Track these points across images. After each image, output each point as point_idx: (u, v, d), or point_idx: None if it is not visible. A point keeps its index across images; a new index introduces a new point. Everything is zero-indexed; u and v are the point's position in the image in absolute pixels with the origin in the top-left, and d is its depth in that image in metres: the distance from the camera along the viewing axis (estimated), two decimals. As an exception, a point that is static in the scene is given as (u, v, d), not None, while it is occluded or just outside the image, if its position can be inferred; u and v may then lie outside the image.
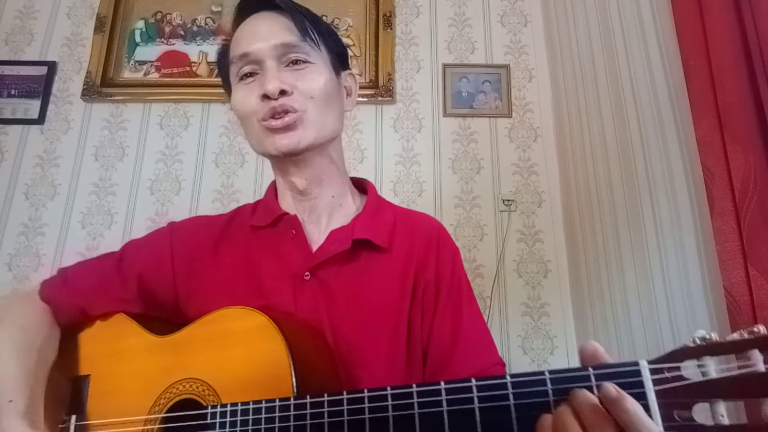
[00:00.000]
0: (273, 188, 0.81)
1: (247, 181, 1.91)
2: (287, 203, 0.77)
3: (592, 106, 1.64)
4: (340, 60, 0.78)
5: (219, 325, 0.64)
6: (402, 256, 0.74)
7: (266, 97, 0.68)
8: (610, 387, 0.42)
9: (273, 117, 0.68)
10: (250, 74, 0.71)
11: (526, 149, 1.96)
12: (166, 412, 0.63)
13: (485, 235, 1.86)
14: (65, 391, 0.70)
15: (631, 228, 1.38)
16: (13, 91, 1.95)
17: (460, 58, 2.05)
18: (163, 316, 0.75)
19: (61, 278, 0.77)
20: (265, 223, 0.75)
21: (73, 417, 0.68)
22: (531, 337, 1.77)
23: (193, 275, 0.74)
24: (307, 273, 0.71)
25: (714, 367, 0.42)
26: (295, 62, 0.70)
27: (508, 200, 1.88)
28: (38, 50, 2.01)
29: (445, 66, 2.02)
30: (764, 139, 0.90)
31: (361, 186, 0.84)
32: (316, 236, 0.75)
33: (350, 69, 0.81)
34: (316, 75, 0.71)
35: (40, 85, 1.95)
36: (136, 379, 0.67)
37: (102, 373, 0.70)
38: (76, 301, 0.73)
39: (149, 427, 0.63)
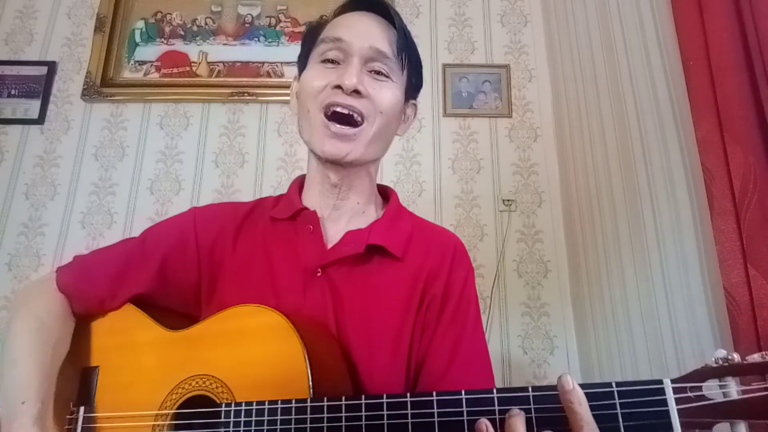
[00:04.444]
0: (298, 184, 0.81)
1: (247, 181, 1.90)
2: (311, 199, 0.77)
3: (592, 106, 1.64)
4: (413, 89, 0.79)
5: (233, 322, 0.64)
6: (414, 267, 0.73)
7: (338, 88, 0.67)
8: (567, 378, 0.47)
9: (338, 120, 0.68)
10: (332, 61, 0.71)
11: (526, 149, 1.95)
12: (178, 408, 0.63)
13: (485, 235, 1.86)
14: (73, 381, 0.69)
15: (631, 228, 1.38)
16: (13, 91, 1.95)
17: (460, 58, 2.05)
18: (179, 307, 0.75)
19: (81, 267, 0.75)
20: (284, 216, 0.75)
21: (81, 408, 0.67)
22: (531, 337, 1.77)
23: (214, 262, 0.74)
24: (318, 270, 0.70)
25: (735, 388, 0.44)
26: (378, 73, 0.71)
27: (508, 200, 1.88)
28: (38, 50, 2.01)
29: (445, 66, 2.02)
30: (764, 139, 0.90)
31: (384, 193, 0.84)
32: (333, 235, 0.74)
33: (416, 100, 0.81)
34: (392, 92, 0.72)
35: (40, 85, 1.95)
36: (147, 372, 0.67)
37: (112, 366, 0.70)
38: (97, 293, 0.72)
39: (160, 422, 0.63)
